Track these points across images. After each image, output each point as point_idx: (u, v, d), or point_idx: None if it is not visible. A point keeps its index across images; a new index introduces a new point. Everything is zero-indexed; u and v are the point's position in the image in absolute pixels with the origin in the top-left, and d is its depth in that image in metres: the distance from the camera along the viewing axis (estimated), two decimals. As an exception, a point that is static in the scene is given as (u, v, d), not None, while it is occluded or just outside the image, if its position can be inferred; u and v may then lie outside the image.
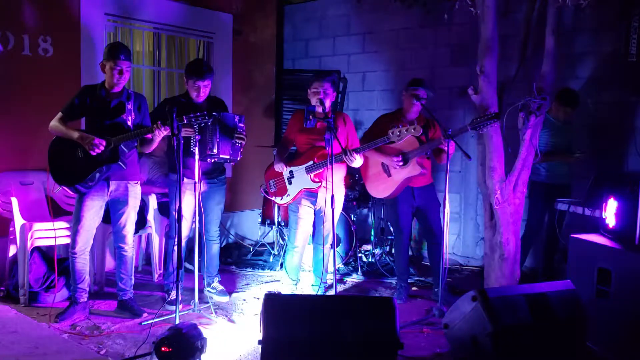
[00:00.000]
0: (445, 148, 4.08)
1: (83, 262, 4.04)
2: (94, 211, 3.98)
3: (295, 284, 4.60)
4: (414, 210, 4.60)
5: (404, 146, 4.26)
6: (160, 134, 3.88)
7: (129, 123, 3.95)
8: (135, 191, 4.10)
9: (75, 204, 4.01)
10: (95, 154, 3.80)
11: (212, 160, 4.26)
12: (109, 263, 4.94)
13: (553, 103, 4.72)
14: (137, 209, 4.17)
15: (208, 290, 4.54)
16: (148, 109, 4.18)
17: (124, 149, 3.93)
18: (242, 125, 4.24)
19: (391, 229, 5.17)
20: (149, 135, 3.93)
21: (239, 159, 4.31)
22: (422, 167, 4.33)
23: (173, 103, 3.92)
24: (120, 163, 3.87)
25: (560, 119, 4.81)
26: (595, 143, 4.85)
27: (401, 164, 4.32)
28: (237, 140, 4.20)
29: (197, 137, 3.99)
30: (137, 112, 4.02)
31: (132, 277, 4.23)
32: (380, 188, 4.55)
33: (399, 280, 4.72)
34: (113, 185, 3.99)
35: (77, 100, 3.98)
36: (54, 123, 3.96)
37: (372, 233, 5.66)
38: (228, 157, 4.21)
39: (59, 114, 3.97)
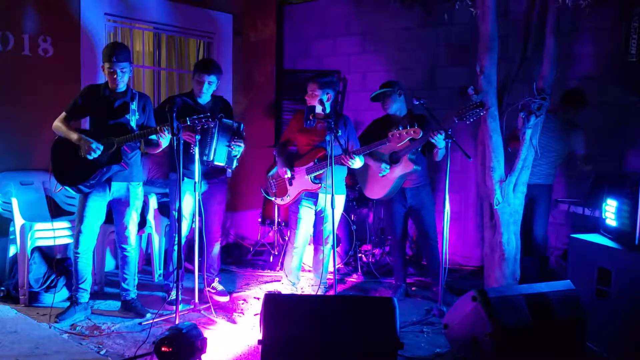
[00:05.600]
0: (434, 141, 4.06)
1: (86, 262, 4.05)
2: (96, 211, 3.98)
3: (295, 284, 4.60)
4: (407, 210, 4.62)
5: (394, 145, 4.23)
6: (165, 138, 3.87)
7: (133, 123, 3.92)
8: (137, 192, 4.09)
9: (78, 204, 4.01)
10: (92, 158, 3.78)
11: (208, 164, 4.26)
12: (109, 263, 4.94)
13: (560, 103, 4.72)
14: (140, 209, 4.16)
15: (208, 290, 4.54)
16: (153, 110, 4.16)
17: (127, 149, 3.92)
18: (242, 132, 4.23)
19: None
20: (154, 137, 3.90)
21: (234, 166, 4.30)
22: (415, 163, 4.29)
23: (176, 102, 3.90)
24: (123, 164, 3.87)
25: (562, 119, 4.76)
26: (595, 143, 4.84)
27: (383, 171, 4.33)
28: (234, 148, 4.20)
29: (197, 137, 3.98)
30: (141, 113, 4.00)
31: (136, 277, 4.23)
32: (376, 189, 4.55)
33: (395, 280, 4.78)
34: (115, 186, 3.99)
35: (81, 100, 3.97)
36: (57, 123, 3.94)
37: (372, 233, 5.65)
38: (223, 164, 4.22)
39: (63, 114, 3.96)
